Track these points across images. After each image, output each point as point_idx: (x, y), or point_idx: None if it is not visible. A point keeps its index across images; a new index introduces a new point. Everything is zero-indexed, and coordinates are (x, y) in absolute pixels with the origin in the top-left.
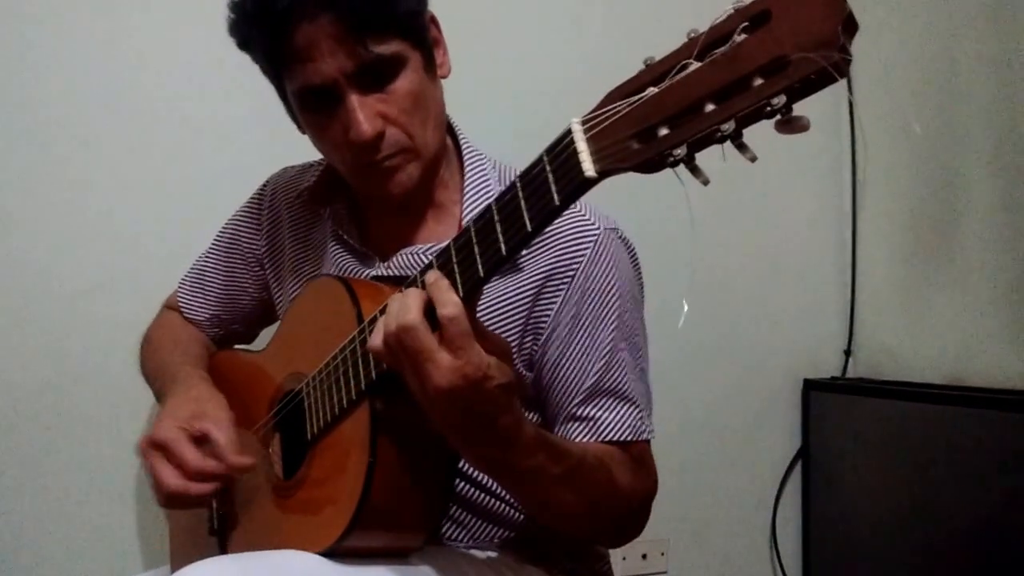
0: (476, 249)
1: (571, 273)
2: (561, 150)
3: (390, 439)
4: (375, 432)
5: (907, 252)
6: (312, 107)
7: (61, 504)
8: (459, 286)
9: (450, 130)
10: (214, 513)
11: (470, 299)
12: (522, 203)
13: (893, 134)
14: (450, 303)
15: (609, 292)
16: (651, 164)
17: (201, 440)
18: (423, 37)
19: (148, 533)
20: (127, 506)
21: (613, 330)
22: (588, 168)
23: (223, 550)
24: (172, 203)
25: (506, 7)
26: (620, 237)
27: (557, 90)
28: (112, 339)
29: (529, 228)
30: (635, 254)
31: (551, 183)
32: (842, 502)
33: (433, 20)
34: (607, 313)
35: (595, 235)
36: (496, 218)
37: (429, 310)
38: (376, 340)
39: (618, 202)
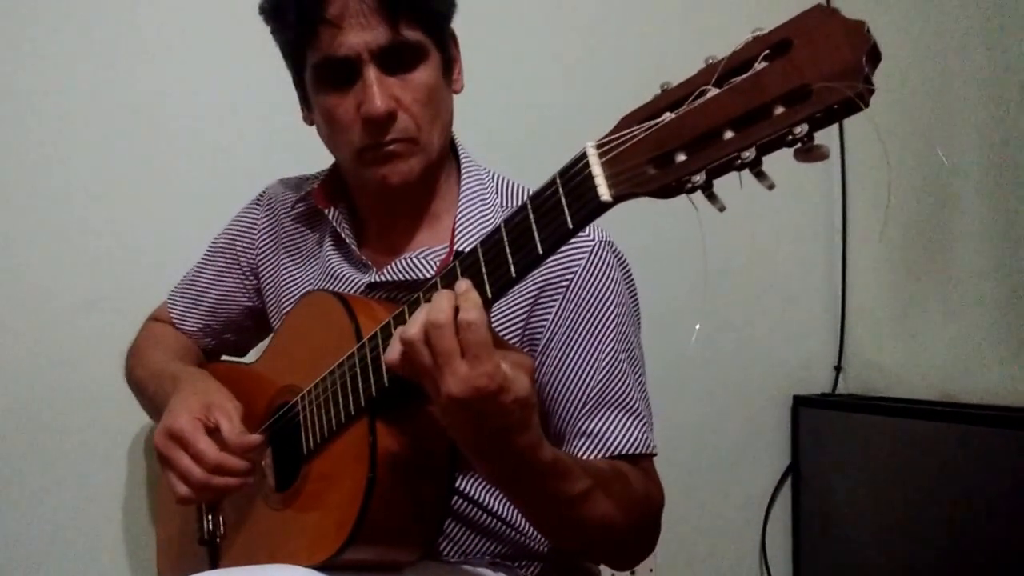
0: (484, 270)
1: (565, 283)
2: (575, 173)
3: (389, 455)
4: (375, 448)
5: (898, 267)
6: (328, 82)
7: (50, 515)
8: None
9: (452, 146)
10: (204, 523)
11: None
12: (533, 225)
13: (883, 148)
14: (473, 309)
15: (605, 302)
16: (668, 190)
17: (215, 431)
18: (446, 44)
19: (136, 542)
20: (114, 517)
21: (612, 340)
22: (604, 192)
23: (213, 560)
24: (167, 218)
25: (515, 22)
26: (614, 250)
27: (564, 105)
28: (105, 353)
29: (540, 250)
30: (629, 269)
31: (564, 206)
32: (832, 520)
33: (453, 36)
34: (605, 323)
35: (590, 245)
36: (506, 239)
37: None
38: (410, 330)
39: (609, 215)
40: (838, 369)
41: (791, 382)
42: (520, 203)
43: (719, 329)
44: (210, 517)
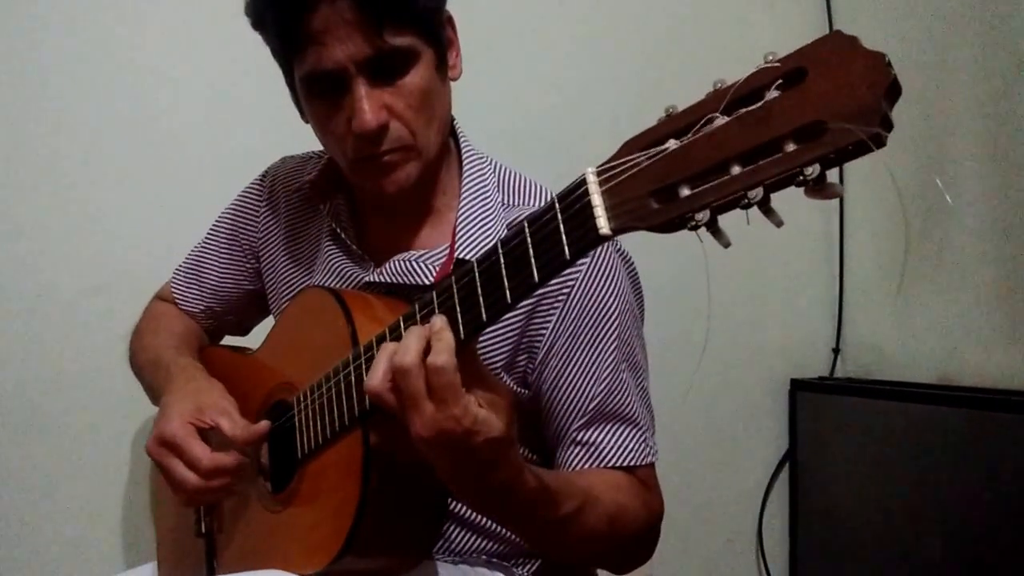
0: (480, 291)
1: (567, 290)
2: (574, 200)
3: (383, 467)
4: (368, 460)
5: (895, 250)
6: (318, 94)
7: (51, 501)
8: (460, 327)
9: (452, 132)
10: (201, 516)
11: (469, 340)
12: (530, 251)
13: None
14: (443, 352)
15: (607, 310)
16: (670, 225)
17: (210, 431)
18: (438, 35)
19: (138, 530)
20: (116, 504)
21: (613, 351)
22: (603, 225)
23: (210, 553)
24: (171, 205)
25: (518, 14)
26: (619, 251)
27: (565, 97)
28: (109, 341)
29: (536, 279)
30: (634, 268)
31: (562, 235)
32: (830, 504)
33: (450, 20)
34: (606, 333)
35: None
36: (503, 263)
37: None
38: (371, 380)
39: None
40: (836, 352)
41: (789, 366)
42: (520, 200)
43: (716, 312)
44: (207, 509)
